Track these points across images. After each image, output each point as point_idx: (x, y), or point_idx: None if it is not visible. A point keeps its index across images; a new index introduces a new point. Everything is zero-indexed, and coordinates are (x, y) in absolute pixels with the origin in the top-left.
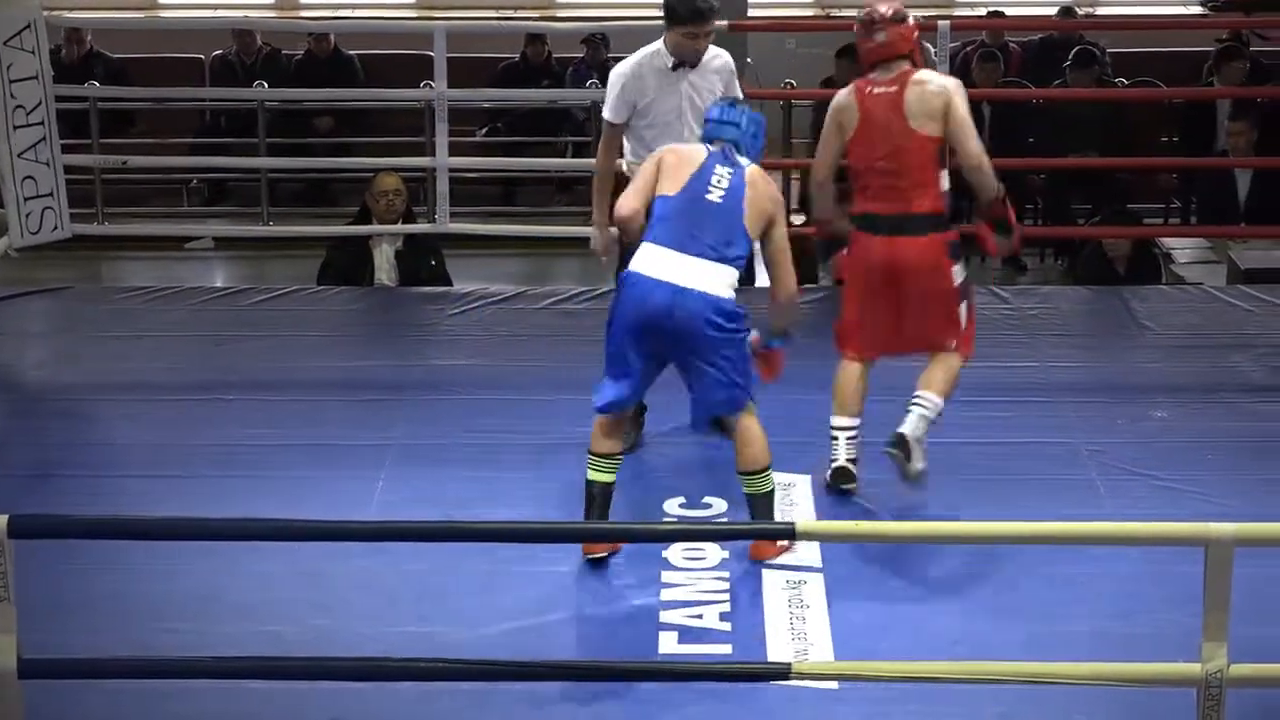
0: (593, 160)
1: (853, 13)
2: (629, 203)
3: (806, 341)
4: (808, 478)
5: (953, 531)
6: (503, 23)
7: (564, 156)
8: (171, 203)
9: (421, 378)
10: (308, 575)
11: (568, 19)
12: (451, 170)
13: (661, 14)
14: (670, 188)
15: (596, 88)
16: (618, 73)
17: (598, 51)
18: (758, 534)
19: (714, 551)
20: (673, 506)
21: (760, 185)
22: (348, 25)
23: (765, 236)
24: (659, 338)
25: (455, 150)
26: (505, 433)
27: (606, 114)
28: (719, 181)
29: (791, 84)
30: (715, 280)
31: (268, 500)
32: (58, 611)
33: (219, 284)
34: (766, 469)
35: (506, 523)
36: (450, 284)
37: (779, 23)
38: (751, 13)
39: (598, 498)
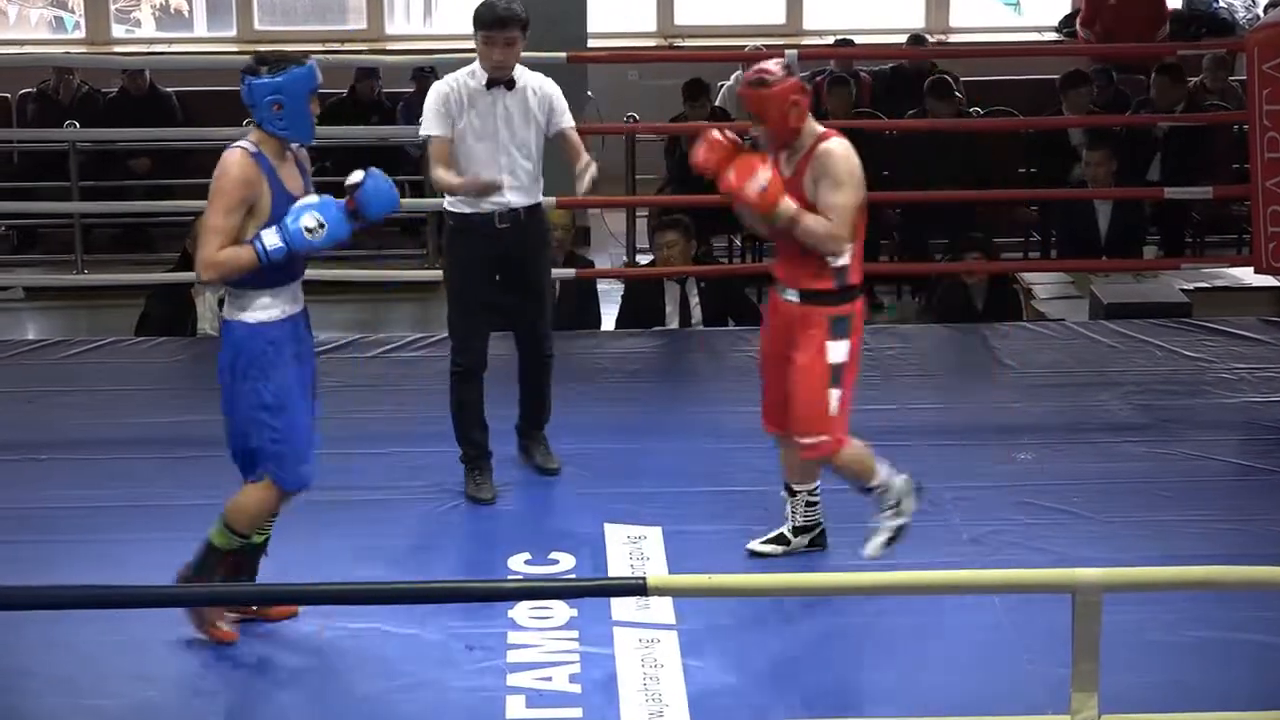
0: (431, 200)
1: (696, 43)
2: None
3: (645, 386)
4: (659, 529)
5: (809, 583)
6: (328, 55)
7: (402, 196)
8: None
9: None
10: (130, 644)
11: (397, 51)
12: None
13: None
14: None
15: None
16: (435, 88)
17: (429, 85)
18: (607, 590)
19: (562, 610)
20: (518, 563)
21: None
22: (164, 61)
23: None
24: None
25: None
26: (338, 489)
27: (425, 130)
28: None
29: (634, 117)
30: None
31: (85, 566)
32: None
33: (30, 336)
34: (244, 535)
35: (348, 584)
36: None
37: (621, 54)
38: (592, 43)
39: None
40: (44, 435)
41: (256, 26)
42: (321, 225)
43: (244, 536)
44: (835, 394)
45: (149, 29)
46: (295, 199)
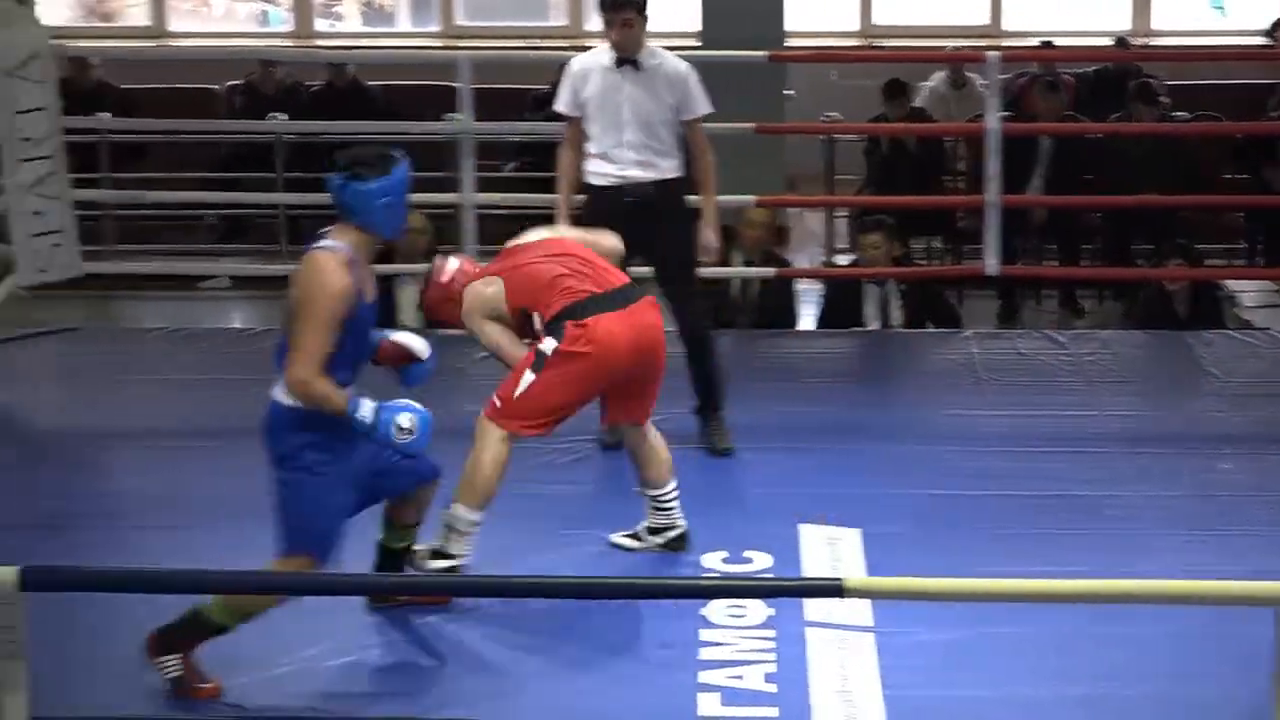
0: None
1: (897, 43)
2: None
3: (843, 387)
4: (857, 531)
5: (1010, 589)
6: (531, 52)
7: None
8: (186, 240)
9: (444, 425)
10: (325, 627)
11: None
12: (479, 207)
13: (695, 43)
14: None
15: None
16: (569, 66)
17: None
18: (803, 591)
19: (757, 609)
20: (713, 561)
21: (296, 280)
22: (369, 56)
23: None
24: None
25: (482, 186)
26: (529, 483)
27: (556, 105)
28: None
29: (834, 117)
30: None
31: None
32: (71, 669)
33: (236, 325)
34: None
35: (544, 578)
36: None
37: (820, 53)
38: (792, 42)
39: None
40: (247, 423)
41: (458, 22)
42: (412, 432)
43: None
44: (529, 378)
45: (353, 23)
46: (372, 307)
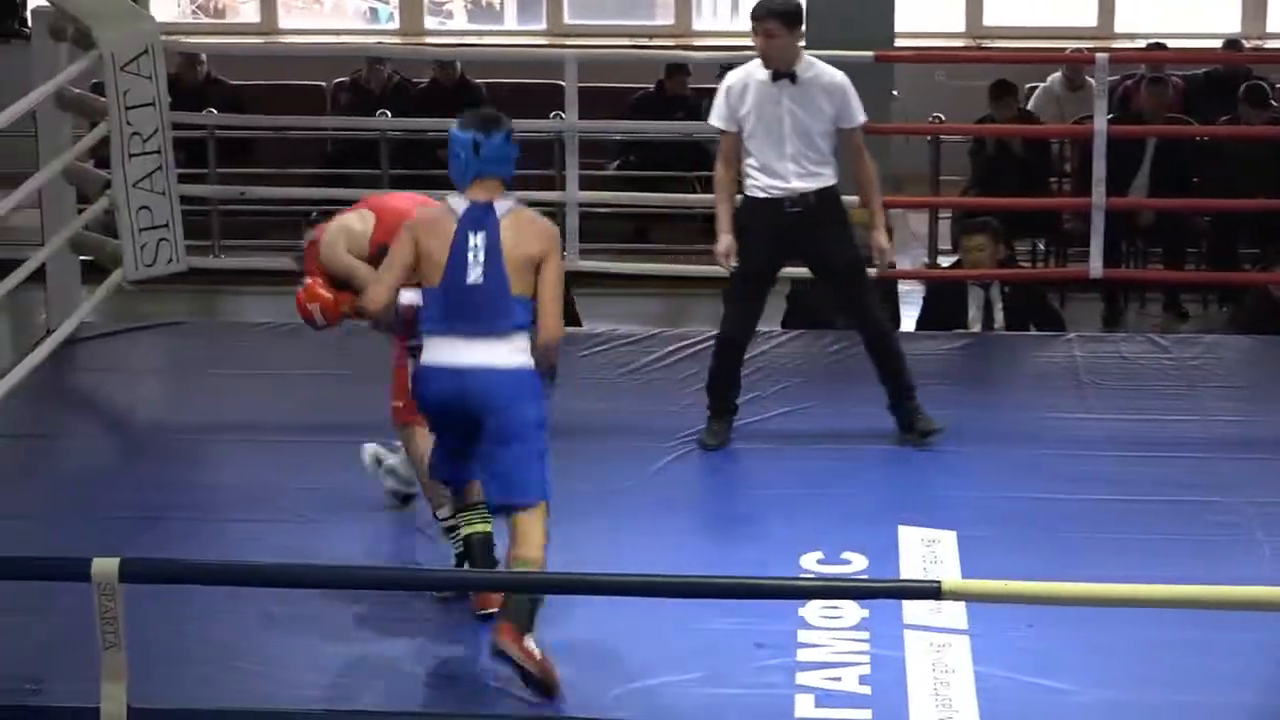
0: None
1: (1005, 45)
2: (378, 294)
3: (944, 389)
4: (953, 533)
5: (1108, 594)
6: (636, 51)
7: (696, 192)
8: (291, 235)
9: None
10: (424, 626)
11: (704, 48)
12: (581, 205)
13: (801, 44)
14: (431, 276)
15: None
16: (725, 80)
17: None
18: (901, 593)
19: (853, 610)
20: (810, 562)
21: (520, 231)
22: (476, 53)
23: (538, 274)
24: (461, 420)
25: (586, 184)
26: (631, 480)
27: (712, 119)
28: (476, 256)
29: (940, 118)
30: (502, 352)
31: (381, 547)
32: (169, 660)
33: None
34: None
35: (638, 576)
36: (579, 324)
37: (927, 54)
38: (900, 43)
39: (477, 548)
40: (348, 418)
41: (566, 21)
42: None
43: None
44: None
45: (460, 21)
46: None
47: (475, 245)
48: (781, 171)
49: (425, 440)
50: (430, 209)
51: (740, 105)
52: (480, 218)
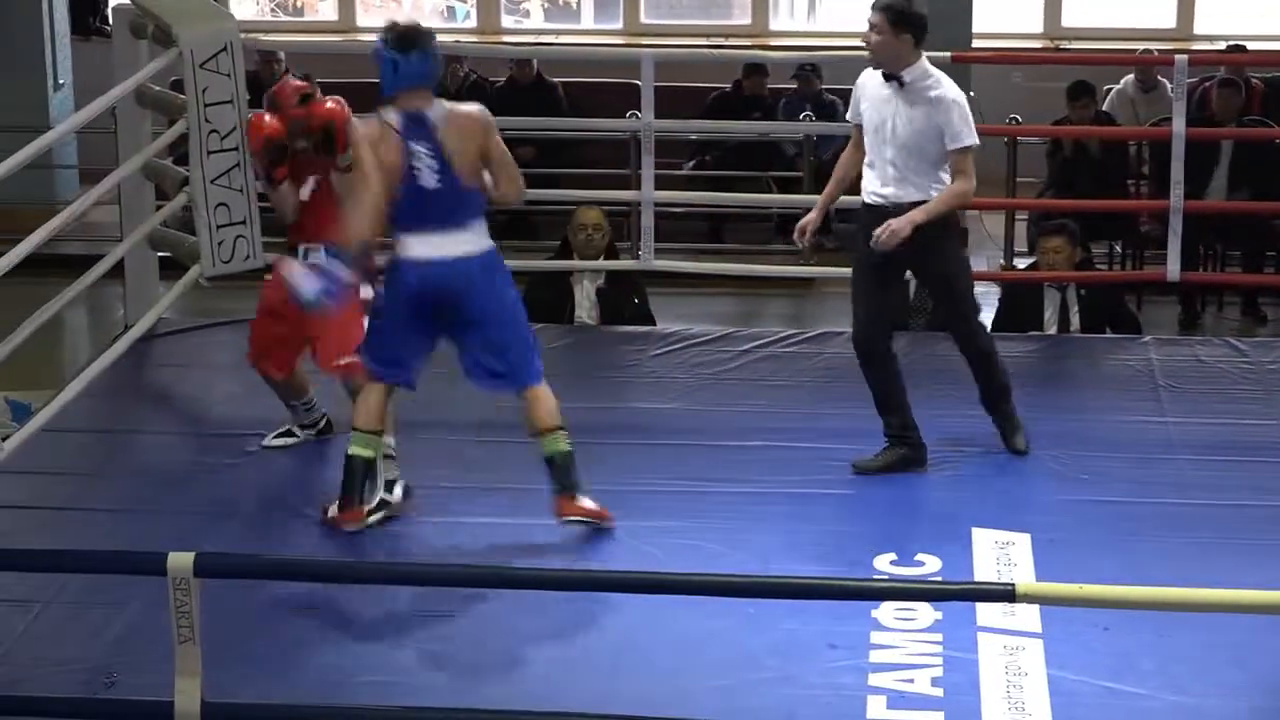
0: (802, 197)
1: (1083, 46)
2: (358, 227)
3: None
4: (1027, 536)
5: (1183, 598)
6: (713, 51)
7: (771, 192)
8: None
9: (622, 420)
10: (499, 625)
11: (781, 48)
12: (657, 205)
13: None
14: (390, 185)
15: (810, 120)
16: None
17: (810, 83)
18: (974, 595)
19: (926, 612)
20: (883, 563)
21: (459, 133)
22: (553, 51)
23: (484, 158)
24: (435, 311)
25: (661, 184)
26: (706, 480)
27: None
28: (426, 163)
29: (1017, 119)
30: (470, 240)
31: (458, 545)
32: (243, 655)
33: None
34: (560, 428)
35: (711, 575)
36: (653, 323)
37: (1005, 55)
38: (977, 44)
39: (358, 473)
40: (419, 415)
41: (643, 20)
42: None
43: None
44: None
45: (537, 20)
46: None
47: (422, 153)
48: (880, 175)
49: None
50: (368, 124)
51: (861, 100)
52: (418, 127)
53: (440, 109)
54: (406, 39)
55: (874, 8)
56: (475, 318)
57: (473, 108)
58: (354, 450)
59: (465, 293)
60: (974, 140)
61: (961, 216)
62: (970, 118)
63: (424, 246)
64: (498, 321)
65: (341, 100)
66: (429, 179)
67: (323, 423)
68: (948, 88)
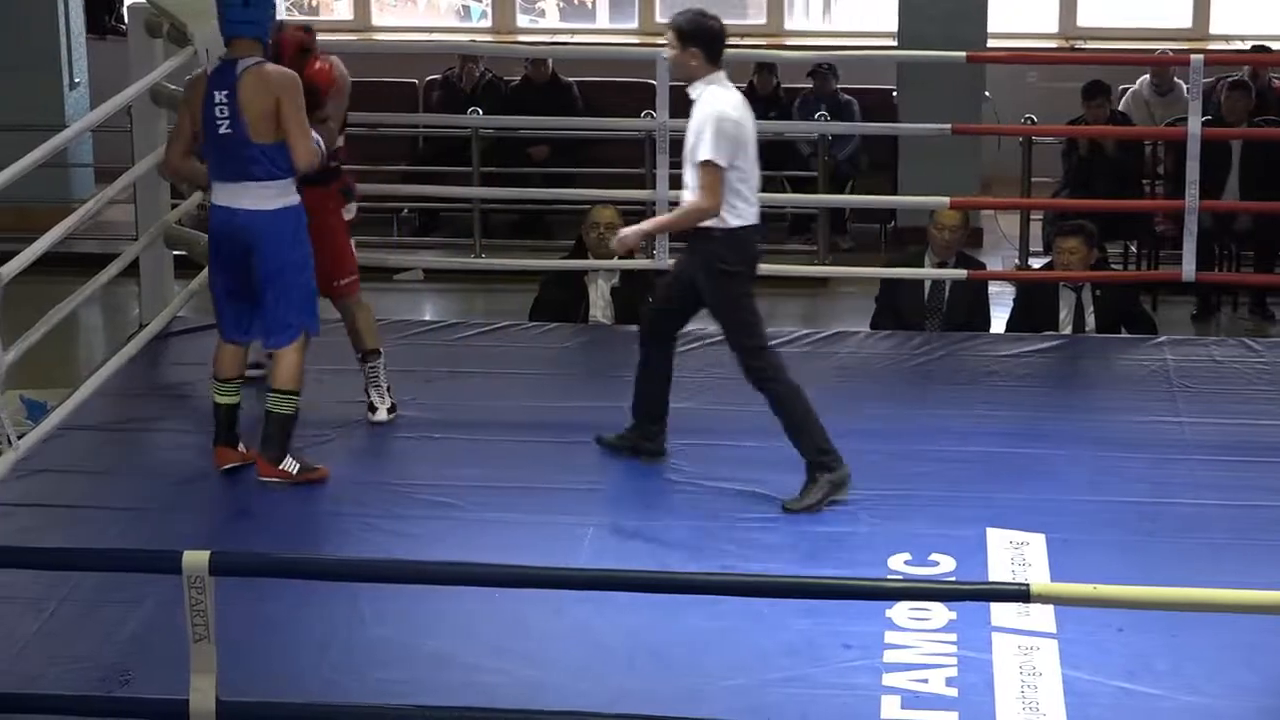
0: (817, 197)
1: (1098, 46)
2: (169, 159)
3: (1033, 391)
4: (1041, 536)
5: (1197, 598)
6: (727, 50)
7: (786, 192)
8: (381, 232)
9: None
10: (514, 623)
11: (796, 48)
12: (672, 204)
13: (891, 43)
14: (199, 128)
15: (825, 120)
16: None
17: (826, 83)
18: (989, 595)
19: (941, 612)
20: (897, 563)
21: (256, 85)
22: (568, 51)
23: (279, 118)
24: (232, 260)
25: (676, 183)
26: (720, 480)
27: None
28: (221, 110)
29: (1032, 119)
30: (264, 195)
31: (474, 543)
32: (257, 653)
33: (428, 317)
34: (295, 393)
35: (725, 574)
36: None
37: (1019, 55)
38: (992, 43)
39: (223, 418)
40: (438, 414)
41: (658, 19)
42: None
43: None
44: None
45: (552, 19)
46: None
47: (220, 101)
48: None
49: (367, 311)
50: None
51: None
52: (224, 76)
53: (250, 62)
54: None
55: (668, 23)
56: (257, 272)
57: (279, 68)
58: (219, 399)
59: (252, 247)
60: (711, 156)
61: (978, 218)
62: (720, 137)
63: (222, 193)
64: (266, 279)
65: (335, 62)
66: (222, 126)
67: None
68: (709, 104)
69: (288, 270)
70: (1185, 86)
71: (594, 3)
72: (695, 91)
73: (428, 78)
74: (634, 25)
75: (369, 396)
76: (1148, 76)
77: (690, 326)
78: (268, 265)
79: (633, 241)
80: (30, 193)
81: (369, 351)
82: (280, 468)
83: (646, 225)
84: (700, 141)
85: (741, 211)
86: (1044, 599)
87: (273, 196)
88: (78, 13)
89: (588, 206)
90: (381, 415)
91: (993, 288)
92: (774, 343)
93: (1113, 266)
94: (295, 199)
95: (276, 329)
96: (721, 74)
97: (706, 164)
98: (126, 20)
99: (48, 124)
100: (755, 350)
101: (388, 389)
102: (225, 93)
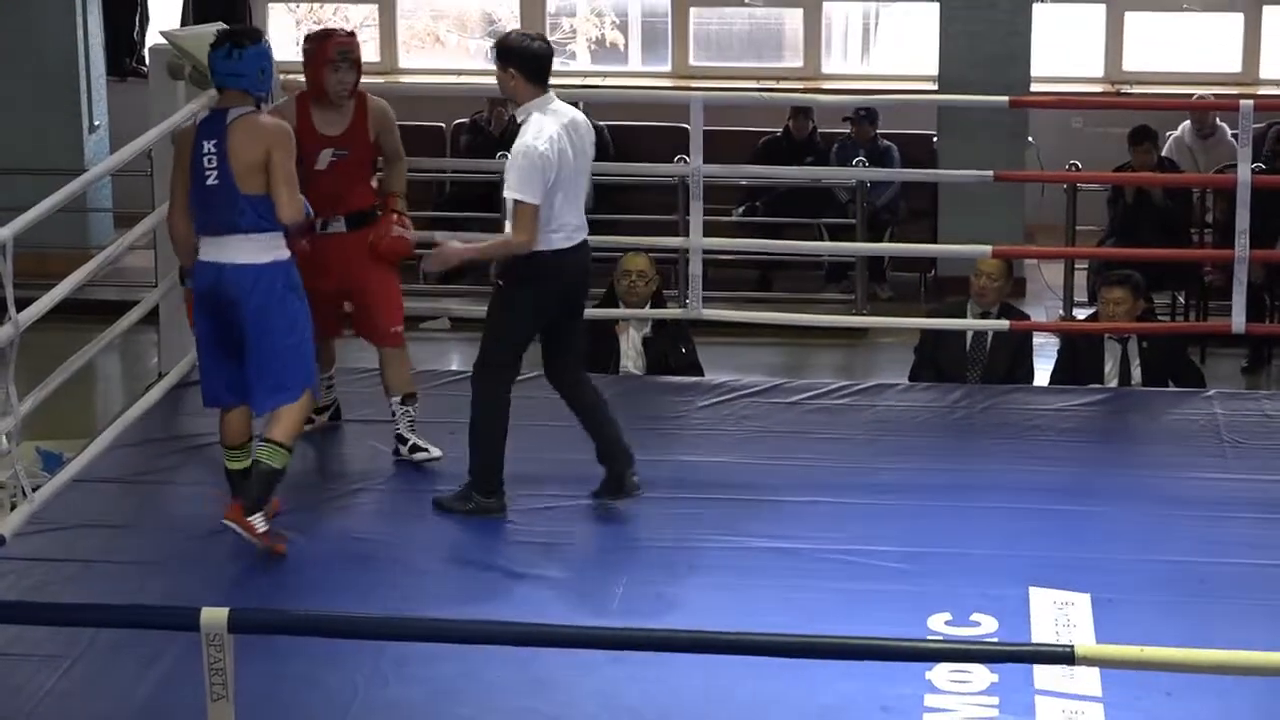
0: (855, 245)
1: (1144, 90)
2: (172, 223)
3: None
4: (1087, 596)
5: (1252, 662)
6: (764, 95)
7: (822, 239)
8: (407, 279)
9: (668, 474)
10: (541, 684)
11: (833, 91)
12: (705, 251)
13: (932, 87)
14: (189, 180)
15: (863, 166)
16: None
17: (864, 128)
18: (1032, 657)
19: (982, 674)
20: (938, 623)
21: (246, 135)
22: (600, 95)
23: (269, 168)
24: (221, 319)
25: (710, 230)
26: (756, 537)
27: None
28: (209, 160)
29: (1077, 165)
30: (251, 249)
31: (501, 601)
32: (277, 713)
33: (454, 367)
34: (289, 449)
35: (757, 634)
36: (701, 373)
37: (1064, 99)
38: (1036, 88)
39: (238, 481)
40: (463, 468)
41: (691, 62)
42: None
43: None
44: None
45: (584, 62)
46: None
47: (209, 151)
48: None
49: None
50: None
51: None
52: (213, 126)
53: (240, 112)
54: (221, 38)
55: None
56: (245, 330)
57: (272, 119)
58: (230, 465)
59: (239, 303)
60: (519, 195)
61: (1021, 267)
62: (529, 172)
63: (208, 248)
64: (255, 339)
65: (406, 224)
66: (210, 176)
67: (332, 409)
68: (525, 135)
69: (275, 332)
70: (1228, 130)
71: (626, 45)
72: (520, 115)
73: (455, 121)
74: (667, 68)
75: (413, 438)
76: (1189, 121)
77: (724, 378)
78: (255, 324)
79: (449, 262)
80: (48, 238)
81: (409, 395)
82: (248, 519)
83: (462, 248)
84: (509, 176)
85: (551, 239)
86: (1089, 661)
87: (260, 250)
88: (98, 54)
89: (619, 254)
90: (436, 452)
91: (1036, 339)
92: (811, 394)
93: (1160, 318)
94: (285, 254)
95: (267, 391)
96: (548, 96)
97: (518, 203)
98: (148, 62)
99: (67, 167)
100: (492, 366)
101: None
102: (214, 142)
